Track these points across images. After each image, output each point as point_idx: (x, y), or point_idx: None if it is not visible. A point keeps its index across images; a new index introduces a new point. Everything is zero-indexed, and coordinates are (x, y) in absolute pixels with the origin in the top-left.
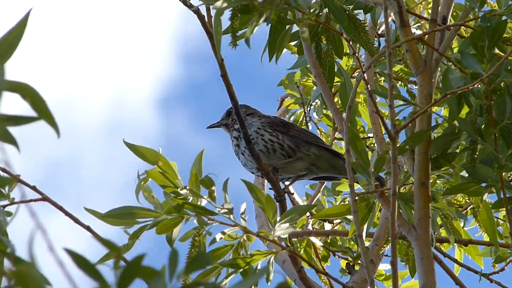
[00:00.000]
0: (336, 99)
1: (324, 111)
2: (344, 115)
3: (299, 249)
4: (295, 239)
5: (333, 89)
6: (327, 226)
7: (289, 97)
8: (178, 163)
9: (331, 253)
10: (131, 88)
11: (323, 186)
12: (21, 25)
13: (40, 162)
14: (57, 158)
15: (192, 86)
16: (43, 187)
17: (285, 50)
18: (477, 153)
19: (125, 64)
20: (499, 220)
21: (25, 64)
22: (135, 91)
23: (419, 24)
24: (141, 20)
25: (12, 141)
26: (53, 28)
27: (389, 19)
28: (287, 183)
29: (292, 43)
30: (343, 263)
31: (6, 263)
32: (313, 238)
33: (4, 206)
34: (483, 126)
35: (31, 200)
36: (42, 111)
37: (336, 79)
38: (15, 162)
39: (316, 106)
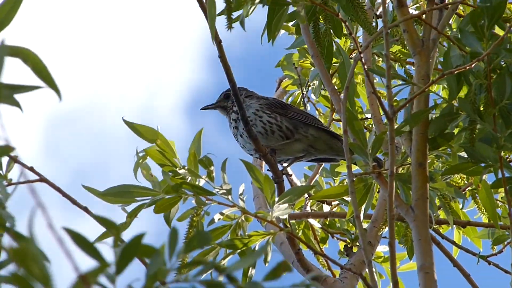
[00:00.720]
0: (334, 80)
1: (323, 92)
2: (342, 95)
3: (297, 231)
4: (293, 221)
5: (331, 69)
6: (326, 208)
7: (287, 78)
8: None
9: (329, 235)
10: (160, 93)
11: (322, 168)
12: None
13: (69, 168)
14: (86, 164)
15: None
16: (71, 192)
17: (283, 31)
18: (476, 133)
19: (154, 69)
20: (498, 201)
21: (54, 68)
22: (164, 96)
23: (417, 5)
24: (170, 24)
25: (16, 104)
26: (83, 33)
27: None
28: (285, 164)
29: (290, 24)
30: (341, 245)
31: (6, 238)
32: (311, 220)
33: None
34: (482, 105)
35: (28, 181)
36: (43, 75)
37: (335, 60)
38: (43, 168)
39: (314, 86)
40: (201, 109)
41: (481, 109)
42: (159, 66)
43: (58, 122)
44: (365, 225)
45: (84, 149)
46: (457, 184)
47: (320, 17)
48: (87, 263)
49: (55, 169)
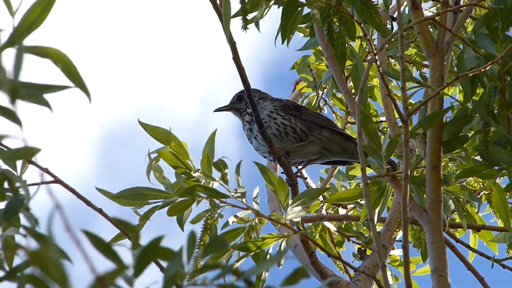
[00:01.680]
0: (349, 83)
1: (338, 95)
2: (356, 98)
3: (314, 234)
4: (310, 224)
5: (345, 72)
6: (341, 211)
7: (302, 81)
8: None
9: (345, 238)
10: (212, 113)
11: (337, 170)
12: None
13: (125, 185)
14: (142, 183)
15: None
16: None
17: (298, 33)
18: (490, 136)
19: (207, 88)
20: None
21: (108, 82)
22: (216, 115)
23: (435, 7)
24: (223, 44)
25: (46, 104)
26: (138, 49)
27: (404, 3)
28: (299, 167)
29: (304, 25)
30: (357, 249)
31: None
32: (327, 223)
33: (18, 188)
34: (496, 108)
35: (44, 182)
36: (74, 77)
37: (349, 62)
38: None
39: (327, 88)
40: (214, 111)
41: (495, 111)
42: (212, 84)
43: (114, 141)
44: (379, 228)
45: (138, 168)
46: (472, 188)
47: (334, 19)
48: (103, 265)
49: (112, 189)
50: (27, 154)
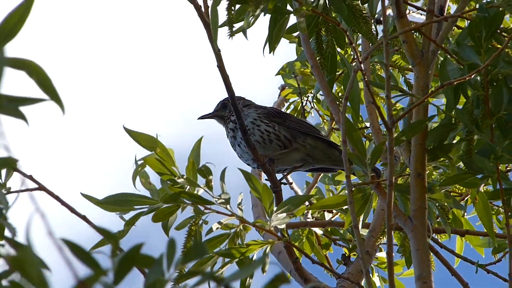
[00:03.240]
0: (338, 91)
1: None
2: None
3: (301, 237)
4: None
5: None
6: (327, 215)
7: (287, 87)
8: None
9: (332, 241)
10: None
11: (322, 175)
12: (27, 3)
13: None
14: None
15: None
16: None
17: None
18: (473, 144)
19: (191, 95)
20: (500, 208)
21: (93, 87)
22: (201, 122)
23: (421, 15)
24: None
25: (22, 117)
26: (122, 53)
27: (388, 11)
28: (285, 173)
29: (294, 34)
30: (346, 251)
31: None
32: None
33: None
34: (479, 117)
35: (27, 190)
36: (48, 89)
37: (340, 69)
38: None
39: (319, 99)
40: (198, 118)
41: (479, 121)
42: (198, 88)
43: (101, 147)
44: (363, 234)
45: (125, 174)
46: (459, 191)
47: (322, 28)
48: (87, 271)
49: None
50: (7, 164)
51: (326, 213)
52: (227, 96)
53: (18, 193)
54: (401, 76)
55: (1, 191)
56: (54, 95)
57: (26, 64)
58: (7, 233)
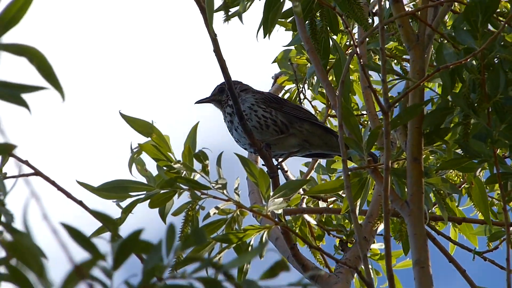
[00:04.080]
0: (330, 77)
1: (320, 89)
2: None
3: (294, 228)
4: (290, 218)
5: (328, 65)
6: (322, 205)
7: (283, 75)
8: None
9: (325, 232)
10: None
11: (317, 163)
12: None
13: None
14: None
15: None
16: None
17: (281, 27)
18: (470, 128)
19: (188, 80)
20: (493, 199)
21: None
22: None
23: (414, 2)
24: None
25: (25, 104)
26: (118, 41)
27: None
28: (280, 159)
29: (288, 20)
30: (338, 242)
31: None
32: (307, 217)
33: None
34: (476, 101)
35: (23, 175)
36: (49, 76)
37: (332, 56)
38: None
39: (312, 83)
40: (196, 103)
41: (475, 104)
42: (194, 73)
43: (97, 133)
44: (360, 221)
45: (121, 160)
46: (453, 181)
47: (317, 13)
48: (82, 255)
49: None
50: (4, 150)
51: (320, 203)
52: (223, 80)
53: (14, 178)
54: (397, 64)
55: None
56: (55, 82)
57: (27, 50)
58: (3, 219)
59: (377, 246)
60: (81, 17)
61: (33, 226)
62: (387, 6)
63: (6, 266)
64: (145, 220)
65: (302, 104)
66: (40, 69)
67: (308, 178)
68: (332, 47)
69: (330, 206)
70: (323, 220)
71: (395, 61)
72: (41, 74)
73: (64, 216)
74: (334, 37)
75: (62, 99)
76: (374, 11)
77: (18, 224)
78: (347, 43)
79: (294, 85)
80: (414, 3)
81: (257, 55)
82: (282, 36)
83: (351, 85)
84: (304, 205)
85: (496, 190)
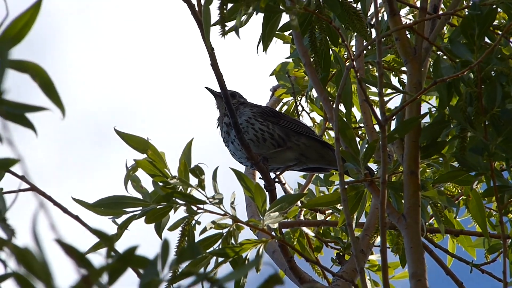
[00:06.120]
0: (330, 89)
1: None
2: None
3: (292, 239)
4: (288, 230)
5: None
6: (319, 217)
7: (280, 87)
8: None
9: (323, 243)
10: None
11: (315, 176)
12: (35, 7)
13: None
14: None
15: None
16: None
17: (278, 39)
18: (467, 141)
19: (184, 94)
20: (491, 211)
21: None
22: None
23: (412, 14)
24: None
25: (30, 125)
26: (114, 50)
27: (382, 10)
28: (277, 173)
29: (287, 33)
30: (336, 254)
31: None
32: (305, 229)
33: None
34: (473, 114)
35: (20, 190)
36: (51, 93)
37: (332, 69)
38: None
39: (311, 96)
40: (205, 87)
41: (472, 118)
42: (191, 87)
43: (91, 147)
44: (357, 234)
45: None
46: (450, 193)
47: (316, 26)
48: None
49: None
50: (6, 165)
51: (318, 215)
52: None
53: (12, 193)
54: (395, 76)
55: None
56: (56, 100)
57: (30, 67)
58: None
59: (375, 257)
60: (81, 31)
61: (41, 236)
62: (385, 18)
63: (14, 276)
64: (141, 235)
65: (301, 117)
66: (42, 86)
67: (306, 190)
68: (334, 59)
69: (328, 218)
70: (321, 232)
71: (393, 72)
72: (43, 91)
73: (60, 231)
74: (335, 49)
75: (62, 116)
76: (372, 22)
77: (23, 237)
78: (345, 55)
79: (292, 97)
80: (412, 14)
81: (255, 67)
82: (280, 48)
83: (351, 96)
84: (302, 217)
85: (493, 202)
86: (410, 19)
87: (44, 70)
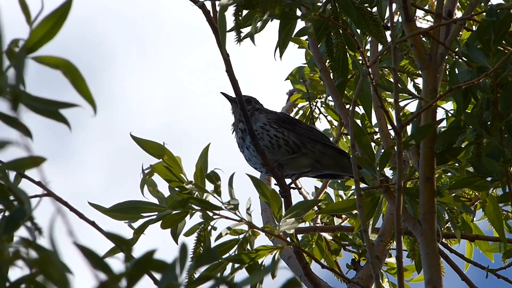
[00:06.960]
0: (349, 93)
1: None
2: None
3: (310, 242)
4: (306, 233)
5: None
6: (337, 220)
7: (296, 92)
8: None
9: (341, 247)
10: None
11: (331, 180)
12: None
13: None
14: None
15: None
16: None
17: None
18: (482, 147)
19: (198, 100)
20: (509, 213)
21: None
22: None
23: (428, 16)
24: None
25: (64, 121)
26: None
27: (397, 16)
28: (293, 178)
29: (303, 38)
30: (355, 256)
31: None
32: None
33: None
34: (489, 120)
35: (35, 196)
36: (82, 90)
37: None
38: None
39: (327, 102)
40: (221, 92)
41: (488, 123)
42: (206, 93)
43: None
44: (373, 238)
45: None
46: (468, 196)
47: (332, 31)
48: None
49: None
50: (32, 163)
51: (335, 219)
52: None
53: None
54: (410, 81)
55: (25, 193)
56: (88, 96)
57: (61, 63)
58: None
59: (394, 260)
60: (90, 36)
61: (59, 242)
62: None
63: (32, 283)
64: (156, 241)
65: (318, 120)
66: (74, 82)
67: (322, 193)
68: (352, 64)
69: (346, 221)
70: (339, 235)
71: (408, 76)
72: (75, 87)
73: (76, 237)
74: (352, 53)
75: (94, 112)
76: (387, 25)
77: (43, 241)
78: (360, 60)
79: (307, 102)
80: (428, 17)
81: (271, 71)
82: (296, 53)
83: (371, 102)
84: (319, 220)
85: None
86: (428, 21)
87: (74, 66)
